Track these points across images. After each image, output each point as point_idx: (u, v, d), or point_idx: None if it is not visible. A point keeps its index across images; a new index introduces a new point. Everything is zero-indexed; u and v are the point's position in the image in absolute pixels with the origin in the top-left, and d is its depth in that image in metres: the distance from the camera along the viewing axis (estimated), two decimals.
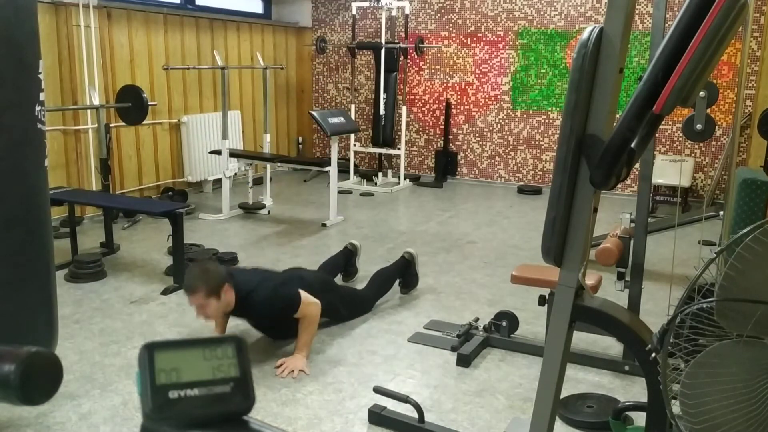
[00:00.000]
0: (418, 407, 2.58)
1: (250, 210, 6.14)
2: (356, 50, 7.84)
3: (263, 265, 4.61)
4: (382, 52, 7.37)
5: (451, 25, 7.77)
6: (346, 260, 4.23)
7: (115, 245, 4.86)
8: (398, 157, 7.77)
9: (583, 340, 3.28)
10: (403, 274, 4.07)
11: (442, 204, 6.81)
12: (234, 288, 3.04)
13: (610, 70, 1.56)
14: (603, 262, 3.19)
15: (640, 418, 2.54)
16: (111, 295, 4.02)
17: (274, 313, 3.15)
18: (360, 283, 4.04)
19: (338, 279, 4.15)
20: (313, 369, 3.11)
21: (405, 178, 7.66)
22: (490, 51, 7.64)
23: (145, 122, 5.52)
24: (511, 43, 7.52)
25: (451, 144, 7.98)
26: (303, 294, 3.16)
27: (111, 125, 5.56)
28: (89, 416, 2.67)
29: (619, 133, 1.51)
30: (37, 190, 2.41)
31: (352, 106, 7.91)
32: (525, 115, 7.58)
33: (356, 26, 7.83)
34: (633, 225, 3.34)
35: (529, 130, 7.58)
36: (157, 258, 4.73)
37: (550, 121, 7.46)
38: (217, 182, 6.65)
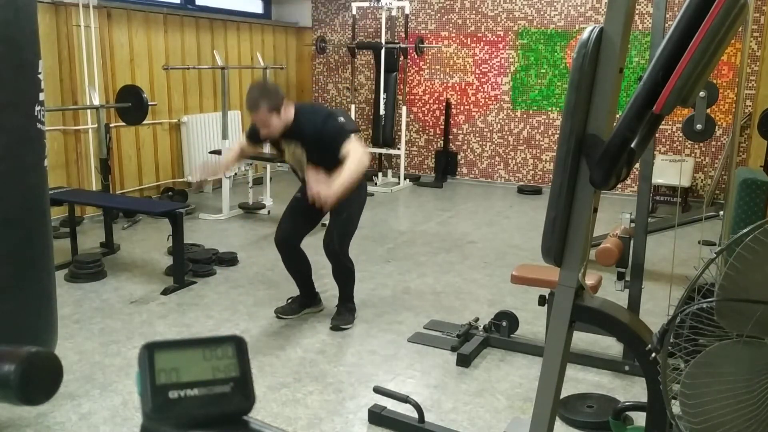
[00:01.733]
0: (418, 407, 2.58)
1: (250, 210, 6.15)
2: (356, 50, 7.84)
3: (264, 265, 4.62)
4: (382, 52, 7.37)
5: (451, 25, 7.77)
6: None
7: (115, 245, 4.86)
8: (398, 157, 7.77)
9: (583, 340, 3.28)
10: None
11: (442, 204, 6.81)
12: (295, 106, 3.19)
13: (610, 70, 1.56)
14: (603, 262, 3.19)
15: (640, 418, 2.53)
16: (111, 295, 4.02)
17: (325, 134, 3.17)
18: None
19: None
20: (313, 369, 3.11)
21: (405, 178, 7.66)
22: (490, 51, 7.64)
23: (145, 122, 5.52)
24: (511, 43, 7.52)
25: (451, 144, 7.98)
26: (356, 135, 3.20)
27: (111, 125, 5.56)
28: (89, 416, 2.67)
29: (619, 133, 1.51)
30: (37, 190, 2.41)
31: (352, 106, 7.91)
32: (525, 115, 7.58)
33: (356, 26, 7.83)
34: (633, 225, 3.34)
35: (529, 130, 7.58)
36: (157, 258, 4.73)
37: (550, 121, 7.46)
38: (217, 182, 6.65)
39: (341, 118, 3.31)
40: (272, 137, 3.33)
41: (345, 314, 3.62)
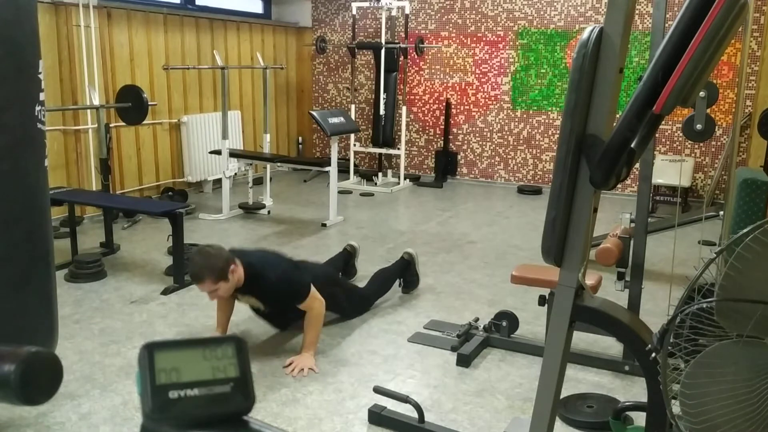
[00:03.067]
0: (418, 407, 2.58)
1: (250, 210, 6.15)
2: (356, 50, 7.84)
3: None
4: (382, 52, 7.37)
5: (451, 25, 7.77)
6: (345, 261, 4.23)
7: (115, 245, 4.86)
8: (398, 157, 7.77)
9: (583, 340, 3.28)
10: (404, 274, 4.08)
11: (442, 204, 6.81)
12: (244, 264, 3.06)
13: (610, 70, 1.56)
14: (603, 262, 3.19)
15: (640, 418, 2.53)
16: (111, 295, 4.02)
17: (281, 295, 3.15)
18: (359, 282, 4.03)
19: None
20: None
21: (405, 178, 7.66)
22: (490, 51, 7.64)
23: (145, 122, 5.52)
24: (511, 43, 7.52)
25: (451, 144, 7.98)
26: (312, 287, 3.18)
27: (111, 125, 5.56)
28: (89, 416, 2.67)
29: (619, 133, 1.51)
30: (37, 190, 2.41)
31: (352, 106, 7.91)
32: (525, 115, 7.58)
33: (356, 26, 7.83)
34: (633, 225, 3.34)
35: (529, 130, 7.58)
36: (157, 258, 4.73)
37: (550, 121, 7.46)
38: (217, 182, 6.65)
39: (294, 279, 3.19)
40: (224, 298, 3.24)
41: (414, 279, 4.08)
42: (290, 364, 3.09)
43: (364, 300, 3.80)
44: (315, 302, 3.17)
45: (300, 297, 3.14)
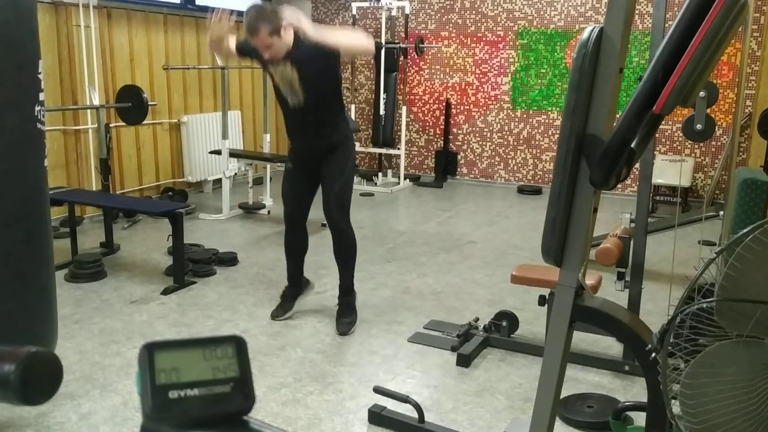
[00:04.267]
0: (418, 407, 2.58)
1: (250, 210, 6.15)
2: None
3: (264, 265, 4.62)
4: (382, 52, 7.37)
5: (451, 25, 7.77)
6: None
7: (115, 245, 4.86)
8: (398, 157, 7.77)
9: (583, 340, 3.28)
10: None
11: (442, 204, 6.81)
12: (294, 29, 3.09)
13: (610, 70, 1.56)
14: (603, 262, 3.19)
15: (640, 418, 2.54)
16: (111, 295, 4.02)
17: (319, 58, 3.13)
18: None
19: None
20: (313, 369, 3.11)
21: (405, 178, 7.66)
22: (490, 51, 7.64)
23: (145, 122, 5.52)
24: (511, 43, 7.52)
25: (451, 144, 7.98)
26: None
27: (111, 125, 5.56)
28: (89, 416, 2.67)
29: (619, 133, 1.51)
30: (37, 190, 2.41)
31: (352, 106, 7.91)
32: (525, 115, 7.58)
33: (356, 26, 7.83)
34: (633, 225, 3.34)
35: (529, 130, 7.58)
36: (157, 258, 4.73)
37: (550, 121, 7.46)
38: (217, 182, 6.65)
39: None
40: (276, 61, 3.22)
41: (349, 314, 3.58)
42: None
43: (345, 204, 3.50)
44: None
45: (334, 54, 3.10)
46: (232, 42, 3.38)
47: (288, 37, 3.13)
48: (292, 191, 3.55)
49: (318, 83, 3.25)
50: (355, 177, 3.59)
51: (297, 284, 3.74)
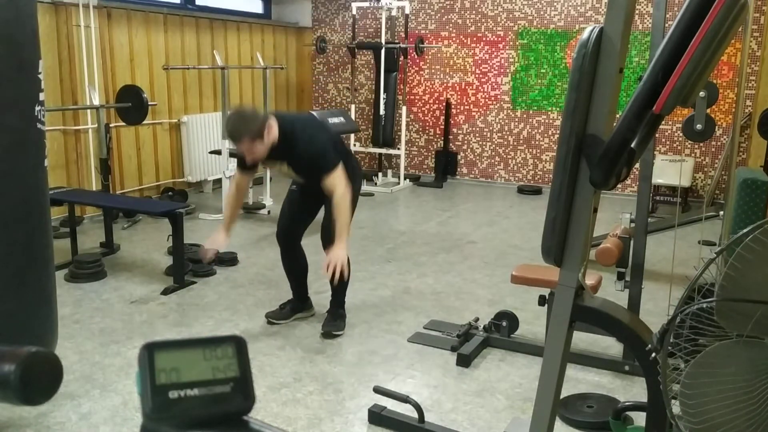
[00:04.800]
0: (418, 407, 2.58)
1: (250, 210, 6.14)
2: (356, 50, 7.84)
3: (264, 265, 4.62)
4: (382, 52, 7.37)
5: (451, 25, 7.77)
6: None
7: (115, 245, 4.86)
8: (398, 157, 7.77)
9: (583, 340, 3.28)
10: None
11: (442, 204, 6.81)
12: (280, 123, 3.05)
13: (610, 70, 1.56)
14: (603, 262, 3.19)
15: (640, 418, 2.54)
16: (111, 295, 4.02)
17: (309, 157, 3.11)
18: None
19: None
20: (313, 369, 3.11)
21: (405, 178, 7.66)
22: (490, 51, 7.64)
23: (145, 122, 5.52)
24: (511, 43, 7.52)
25: (451, 144, 7.98)
26: (341, 166, 3.12)
27: (111, 125, 5.56)
28: (89, 416, 2.67)
29: (619, 133, 1.50)
30: (37, 190, 2.41)
31: (352, 106, 7.91)
32: (525, 115, 7.58)
33: (356, 26, 7.83)
34: (633, 225, 3.34)
35: (529, 130, 7.58)
36: (157, 258, 4.73)
37: (550, 121, 7.46)
38: (217, 182, 6.65)
39: (327, 145, 3.17)
40: (258, 161, 3.25)
41: (337, 320, 3.56)
42: (328, 265, 3.02)
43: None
44: (339, 180, 3.07)
45: (326, 166, 3.07)
46: (229, 209, 3.47)
47: (272, 136, 3.05)
48: (290, 207, 3.55)
49: (313, 169, 3.22)
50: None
51: (300, 299, 3.71)
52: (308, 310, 3.75)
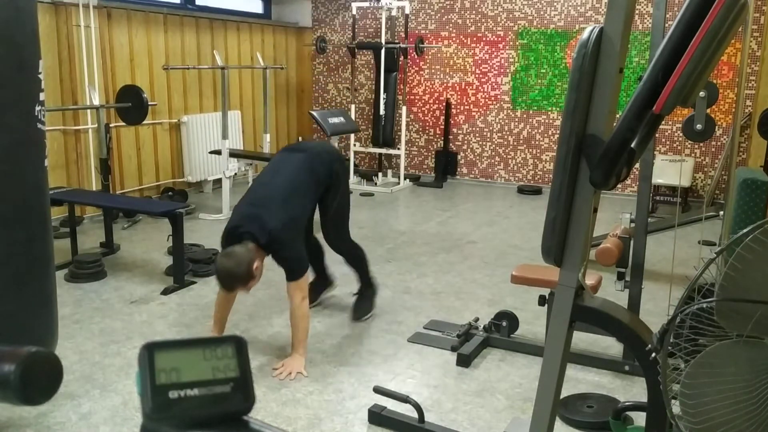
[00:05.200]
0: (418, 407, 2.58)
1: None
2: (356, 50, 7.84)
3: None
4: (382, 52, 7.37)
5: (451, 25, 7.77)
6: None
7: (115, 245, 4.86)
8: (398, 157, 7.77)
9: (583, 340, 3.28)
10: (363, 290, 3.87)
11: (442, 204, 6.81)
12: (257, 239, 3.07)
13: (610, 70, 1.56)
14: (603, 262, 3.19)
15: (640, 418, 2.54)
16: (111, 295, 4.02)
17: (281, 258, 3.17)
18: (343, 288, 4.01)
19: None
20: (313, 369, 3.11)
21: (405, 178, 7.66)
22: (490, 51, 7.64)
23: (145, 122, 5.52)
24: (511, 43, 7.52)
25: (451, 144, 7.98)
26: (305, 276, 3.17)
27: (111, 125, 5.56)
28: (89, 416, 2.67)
29: (619, 133, 1.50)
30: (37, 190, 2.41)
31: (352, 106, 7.91)
32: (525, 115, 7.58)
33: (356, 26, 7.83)
34: (633, 225, 3.34)
35: (529, 130, 7.58)
36: (157, 258, 4.73)
37: (550, 121, 7.46)
38: (217, 182, 6.65)
39: (300, 256, 3.23)
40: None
41: (366, 304, 3.76)
42: (280, 367, 3.08)
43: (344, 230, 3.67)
44: (298, 291, 3.13)
45: (293, 274, 3.14)
46: (218, 322, 3.41)
47: (260, 269, 3.08)
48: None
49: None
50: (350, 197, 3.72)
51: (321, 277, 3.92)
52: (330, 286, 3.98)
